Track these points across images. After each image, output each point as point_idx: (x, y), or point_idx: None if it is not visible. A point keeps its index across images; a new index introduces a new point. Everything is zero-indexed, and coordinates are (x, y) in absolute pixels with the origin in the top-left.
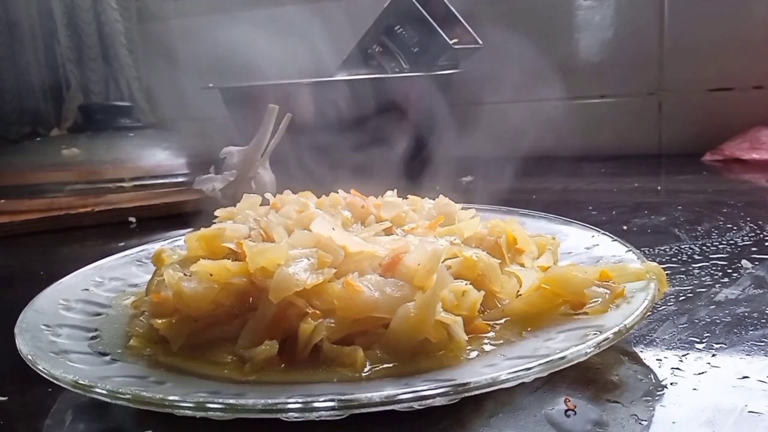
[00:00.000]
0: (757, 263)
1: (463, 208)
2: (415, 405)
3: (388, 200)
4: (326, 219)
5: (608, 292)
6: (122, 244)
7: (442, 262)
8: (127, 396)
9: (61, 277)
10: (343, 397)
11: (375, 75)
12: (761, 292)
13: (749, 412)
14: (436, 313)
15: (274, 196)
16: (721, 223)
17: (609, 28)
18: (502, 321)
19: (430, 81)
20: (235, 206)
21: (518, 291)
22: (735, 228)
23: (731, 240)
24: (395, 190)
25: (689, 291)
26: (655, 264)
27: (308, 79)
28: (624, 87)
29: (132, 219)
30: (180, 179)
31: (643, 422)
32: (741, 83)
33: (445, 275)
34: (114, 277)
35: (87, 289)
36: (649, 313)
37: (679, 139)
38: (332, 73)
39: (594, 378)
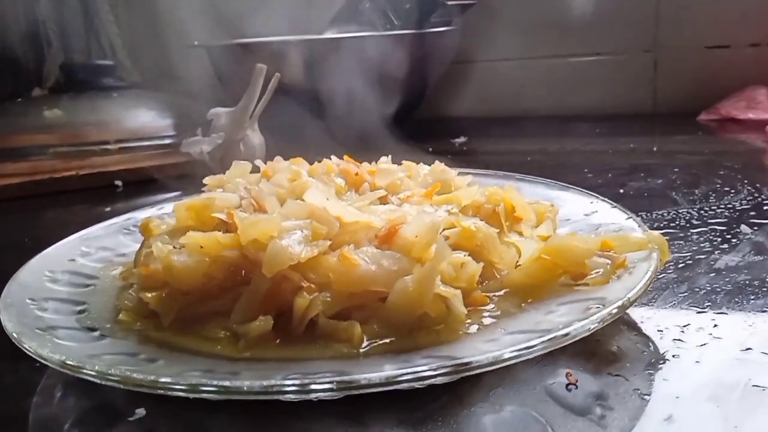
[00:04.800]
0: (756, 228)
1: (459, 174)
2: (416, 385)
3: (382, 167)
4: (320, 188)
5: (609, 262)
6: (108, 209)
7: (440, 232)
8: (117, 377)
9: (47, 245)
10: (341, 379)
11: (366, 33)
12: (761, 258)
13: (753, 386)
14: (435, 286)
15: (264, 162)
16: (718, 186)
17: None
18: (501, 292)
19: (422, 38)
20: (223, 170)
21: (517, 261)
22: (733, 191)
23: (729, 204)
24: (389, 156)
25: (688, 258)
26: (658, 233)
27: (297, 36)
28: (619, 44)
29: (118, 183)
30: (166, 141)
31: (646, 397)
32: (737, 40)
33: (444, 247)
34: (101, 247)
35: (73, 260)
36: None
37: (674, 98)
38: (322, 31)
39: (595, 350)
